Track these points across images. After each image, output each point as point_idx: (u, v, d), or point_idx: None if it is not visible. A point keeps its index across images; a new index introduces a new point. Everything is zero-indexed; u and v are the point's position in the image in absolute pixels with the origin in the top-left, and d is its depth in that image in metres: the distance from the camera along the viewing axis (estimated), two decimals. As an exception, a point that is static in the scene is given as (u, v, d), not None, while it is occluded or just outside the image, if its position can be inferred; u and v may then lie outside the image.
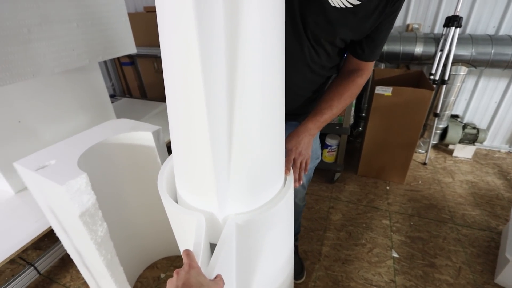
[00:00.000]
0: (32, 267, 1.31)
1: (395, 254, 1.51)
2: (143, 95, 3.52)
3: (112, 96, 3.22)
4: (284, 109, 0.67)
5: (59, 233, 1.09)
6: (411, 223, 1.72)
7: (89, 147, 0.99)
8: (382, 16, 0.77)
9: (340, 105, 0.88)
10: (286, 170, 0.78)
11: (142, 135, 1.10)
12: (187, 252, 0.51)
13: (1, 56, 1.13)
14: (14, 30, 1.17)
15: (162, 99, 3.21)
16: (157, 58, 3.11)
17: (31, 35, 1.23)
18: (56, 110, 1.72)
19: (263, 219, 0.68)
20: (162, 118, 2.44)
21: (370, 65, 0.91)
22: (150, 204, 1.29)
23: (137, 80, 3.41)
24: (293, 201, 0.85)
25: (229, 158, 0.58)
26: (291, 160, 0.82)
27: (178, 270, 0.49)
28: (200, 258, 0.56)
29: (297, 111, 1.04)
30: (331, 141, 2.02)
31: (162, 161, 1.16)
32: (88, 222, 0.89)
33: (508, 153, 2.43)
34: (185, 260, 0.50)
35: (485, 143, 2.43)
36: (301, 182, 0.87)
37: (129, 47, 1.75)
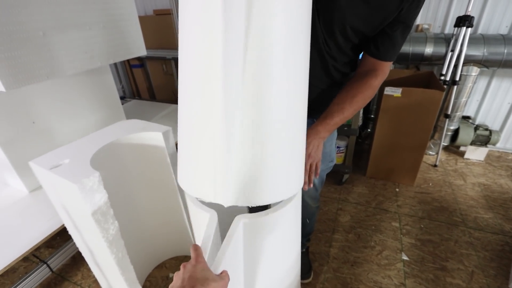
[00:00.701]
0: (45, 265, 1.34)
1: (405, 257, 1.49)
2: (152, 97, 3.57)
3: (121, 98, 3.27)
4: (306, 106, 0.67)
5: (71, 231, 1.11)
6: (422, 225, 1.69)
7: (101, 147, 1.01)
8: (398, 11, 0.76)
9: (352, 108, 0.85)
10: None
11: (153, 135, 1.12)
12: (195, 247, 0.52)
13: (18, 58, 1.16)
14: (30, 33, 1.21)
15: (171, 100, 3.26)
16: (166, 60, 3.15)
17: (46, 39, 1.26)
18: (68, 111, 1.76)
19: (270, 219, 0.68)
20: (171, 119, 2.46)
21: (386, 66, 0.87)
22: (159, 204, 1.30)
23: (146, 82, 3.46)
24: (300, 204, 0.85)
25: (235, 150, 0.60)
26: None
27: (185, 263, 0.50)
28: (208, 251, 0.56)
29: (311, 105, 1.02)
30: (340, 143, 2.01)
31: (172, 162, 1.17)
32: (100, 220, 0.90)
33: (522, 155, 2.37)
34: (192, 254, 0.51)
35: (498, 145, 2.38)
36: (311, 185, 0.87)
37: (139, 50, 1.78)
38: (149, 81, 3.49)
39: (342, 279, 1.39)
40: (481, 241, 1.56)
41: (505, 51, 1.87)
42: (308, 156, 0.84)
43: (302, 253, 1.39)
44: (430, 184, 2.05)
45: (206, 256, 0.55)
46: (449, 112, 2.15)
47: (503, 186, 2.00)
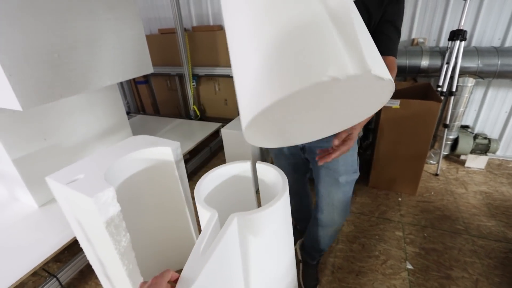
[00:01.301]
0: (54, 279, 1.36)
1: (409, 266, 1.50)
2: (156, 112, 3.65)
3: (127, 113, 3.35)
4: None
5: (83, 244, 1.15)
6: (425, 234, 1.71)
7: (114, 162, 1.06)
8: (382, 12, 0.83)
9: None
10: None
11: (162, 150, 1.17)
12: (167, 271, 0.56)
13: (34, 79, 1.24)
14: (46, 56, 1.28)
15: (174, 115, 3.32)
16: (170, 77, 3.25)
17: (61, 60, 1.34)
18: (78, 127, 1.83)
19: (260, 217, 0.73)
20: (175, 133, 2.53)
21: (391, 60, 0.90)
22: (167, 217, 1.34)
23: (150, 98, 3.55)
24: (289, 204, 0.85)
25: None
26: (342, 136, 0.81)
27: (142, 283, 0.55)
28: (202, 248, 0.61)
29: None
30: (341, 153, 2.04)
31: (180, 175, 1.22)
32: (113, 233, 0.94)
33: (522, 163, 2.40)
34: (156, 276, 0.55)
35: (497, 153, 2.41)
36: (323, 162, 0.85)
37: (147, 68, 1.86)
38: (154, 97, 3.58)
39: (348, 289, 1.40)
40: (485, 248, 1.58)
41: (499, 62, 1.94)
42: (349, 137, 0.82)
43: (312, 265, 1.41)
44: (432, 193, 2.08)
45: (201, 247, 0.61)
46: (447, 122, 2.20)
47: (504, 194, 2.02)
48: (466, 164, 2.37)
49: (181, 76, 3.09)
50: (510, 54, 1.93)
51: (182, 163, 1.24)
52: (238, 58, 0.57)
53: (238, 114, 3.10)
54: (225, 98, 3.10)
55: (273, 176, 0.91)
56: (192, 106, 3.06)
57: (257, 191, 1.07)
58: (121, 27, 1.63)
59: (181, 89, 3.25)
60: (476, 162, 2.34)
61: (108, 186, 0.90)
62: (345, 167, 1.05)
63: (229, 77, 2.92)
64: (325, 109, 0.62)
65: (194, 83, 3.02)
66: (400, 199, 2.03)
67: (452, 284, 1.39)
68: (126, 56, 1.70)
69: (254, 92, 0.50)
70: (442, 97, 2.04)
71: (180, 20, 2.67)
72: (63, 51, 1.35)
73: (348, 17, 0.48)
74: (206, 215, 0.74)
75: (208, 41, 2.82)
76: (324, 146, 0.94)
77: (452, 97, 2.12)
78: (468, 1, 1.83)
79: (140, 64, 1.80)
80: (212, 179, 0.95)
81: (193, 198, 1.00)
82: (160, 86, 3.41)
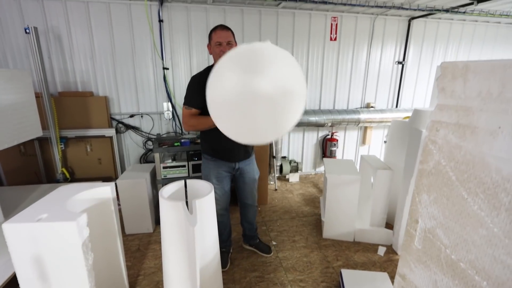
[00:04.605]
0: None
1: (274, 243, 2.37)
2: (-1, 183, 3.10)
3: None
4: None
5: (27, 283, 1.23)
6: (278, 224, 2.68)
7: (66, 201, 1.32)
8: None
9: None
10: None
11: (102, 190, 1.49)
12: None
13: None
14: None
15: (29, 182, 2.99)
16: (26, 142, 3.01)
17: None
18: None
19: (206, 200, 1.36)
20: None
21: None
22: (102, 243, 1.56)
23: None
24: (214, 202, 1.52)
25: None
26: None
27: None
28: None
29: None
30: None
31: (114, 208, 1.56)
32: (85, 251, 1.21)
33: (315, 174, 4.05)
34: None
35: (303, 170, 3.96)
36: None
37: (36, 131, 1.96)
38: (-6, 166, 3.06)
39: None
40: (307, 222, 2.72)
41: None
42: None
43: (259, 240, 2.23)
44: (276, 200, 3.18)
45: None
46: (274, 154, 3.49)
47: (310, 192, 3.41)
48: (290, 180, 3.73)
49: (41, 140, 2.96)
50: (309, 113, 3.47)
51: (116, 199, 1.58)
52: None
53: (114, 171, 3.29)
54: (98, 157, 3.21)
55: (201, 185, 1.53)
56: (61, 169, 2.96)
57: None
58: (16, 96, 1.77)
59: (41, 153, 3.05)
60: (294, 178, 3.74)
61: (82, 213, 1.21)
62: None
63: (103, 137, 3.14)
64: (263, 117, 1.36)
65: (62, 146, 2.98)
66: (259, 208, 2.98)
67: (297, 243, 2.36)
68: (19, 121, 1.80)
69: None
70: (269, 139, 3.30)
71: (46, 85, 2.75)
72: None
73: None
74: (175, 204, 1.27)
75: (79, 105, 2.99)
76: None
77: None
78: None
79: (31, 128, 1.90)
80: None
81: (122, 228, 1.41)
82: (7, 153, 3.02)
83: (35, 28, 2.62)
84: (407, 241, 0.85)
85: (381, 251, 2.21)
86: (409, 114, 3.54)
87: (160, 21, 3.05)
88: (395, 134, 2.61)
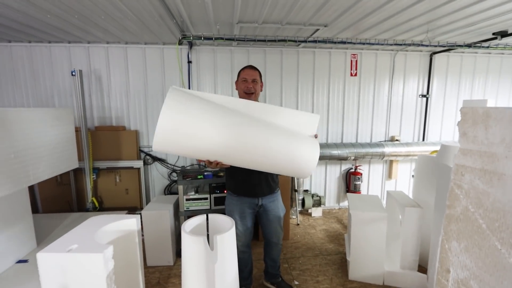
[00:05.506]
0: None
1: (296, 282, 2.26)
2: (34, 210, 3.30)
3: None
4: None
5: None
6: (300, 262, 2.57)
7: (97, 232, 1.38)
8: None
9: None
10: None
11: (128, 222, 1.55)
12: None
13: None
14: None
15: (61, 211, 3.15)
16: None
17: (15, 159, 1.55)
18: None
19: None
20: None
21: None
22: (124, 275, 1.58)
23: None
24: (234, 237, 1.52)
25: None
26: None
27: None
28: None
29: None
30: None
31: (138, 241, 1.59)
32: (109, 284, 1.24)
33: (339, 208, 3.91)
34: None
35: (326, 204, 3.84)
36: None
37: (73, 163, 2.12)
38: (33, 194, 3.29)
39: None
40: (331, 260, 2.58)
41: (329, 151, 3.43)
42: None
43: (282, 280, 2.15)
44: (298, 236, 3.08)
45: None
46: (296, 188, 3.45)
47: (334, 228, 3.27)
48: (312, 215, 3.62)
49: (76, 170, 3.16)
50: (331, 146, 3.46)
51: (140, 232, 1.63)
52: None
53: (139, 201, 3.40)
54: (126, 188, 3.35)
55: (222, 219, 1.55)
56: (91, 198, 3.11)
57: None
58: (59, 132, 1.96)
59: (75, 182, 3.25)
60: (316, 212, 3.63)
61: (109, 246, 1.26)
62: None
63: (132, 169, 3.30)
64: None
65: (94, 176, 3.17)
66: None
67: (321, 284, 2.23)
68: (60, 154, 1.96)
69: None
70: (290, 172, 3.29)
71: (85, 121, 3.01)
72: (18, 152, 1.58)
73: None
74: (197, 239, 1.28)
75: (112, 138, 3.21)
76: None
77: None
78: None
79: (69, 160, 2.07)
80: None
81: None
82: (45, 182, 3.24)
83: (80, 71, 2.95)
84: (440, 291, 0.79)
85: (414, 298, 2.03)
86: (437, 147, 3.41)
87: (189, 62, 3.31)
88: (422, 169, 2.50)
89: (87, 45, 3.19)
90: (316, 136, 1.61)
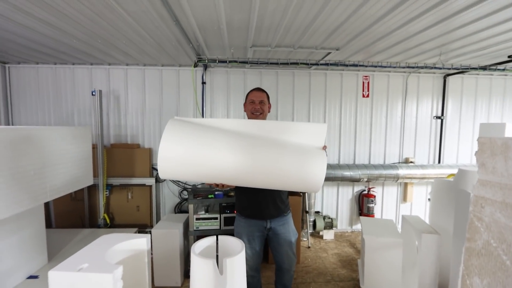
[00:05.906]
0: None
1: (307, 310, 2.16)
2: (48, 225, 3.36)
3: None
4: None
5: None
6: (311, 287, 2.47)
7: (108, 251, 1.39)
8: None
9: None
10: None
11: (138, 241, 1.55)
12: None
13: (6, 191, 1.46)
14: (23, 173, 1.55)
15: (74, 226, 3.19)
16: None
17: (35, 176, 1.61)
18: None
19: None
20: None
21: None
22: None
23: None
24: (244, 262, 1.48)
25: None
26: None
27: None
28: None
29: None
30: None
31: (148, 260, 1.59)
32: (117, 305, 1.23)
33: (352, 231, 3.78)
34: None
35: (338, 227, 3.73)
36: None
37: (88, 180, 2.17)
38: (47, 209, 3.36)
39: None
40: (343, 286, 2.47)
41: (341, 172, 3.38)
42: None
43: None
44: (309, 259, 2.98)
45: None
46: (307, 209, 3.38)
47: (347, 252, 3.16)
48: (324, 237, 3.52)
49: (90, 186, 3.23)
50: (334, 167, 3.43)
51: (149, 251, 1.62)
52: None
53: (149, 219, 3.40)
54: (137, 205, 3.38)
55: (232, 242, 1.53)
56: (103, 215, 3.14)
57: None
58: (77, 149, 2.02)
59: (88, 198, 3.31)
60: (328, 235, 3.53)
61: (118, 266, 1.26)
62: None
63: (144, 186, 3.34)
64: None
65: (107, 192, 3.22)
66: (291, 268, 2.80)
67: (332, 313, 2.12)
68: (77, 171, 2.02)
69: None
70: (301, 193, 3.24)
71: (101, 138, 3.10)
72: (37, 169, 1.63)
73: None
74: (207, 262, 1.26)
75: (126, 155, 3.29)
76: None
77: (306, 192, 3.37)
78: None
79: (85, 177, 2.12)
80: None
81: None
82: (60, 198, 3.31)
83: (100, 91, 3.08)
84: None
85: (434, 333, 1.90)
86: (453, 171, 3.30)
87: (203, 83, 3.42)
88: (439, 193, 2.42)
89: (107, 67, 3.36)
90: (325, 147, 1.53)
